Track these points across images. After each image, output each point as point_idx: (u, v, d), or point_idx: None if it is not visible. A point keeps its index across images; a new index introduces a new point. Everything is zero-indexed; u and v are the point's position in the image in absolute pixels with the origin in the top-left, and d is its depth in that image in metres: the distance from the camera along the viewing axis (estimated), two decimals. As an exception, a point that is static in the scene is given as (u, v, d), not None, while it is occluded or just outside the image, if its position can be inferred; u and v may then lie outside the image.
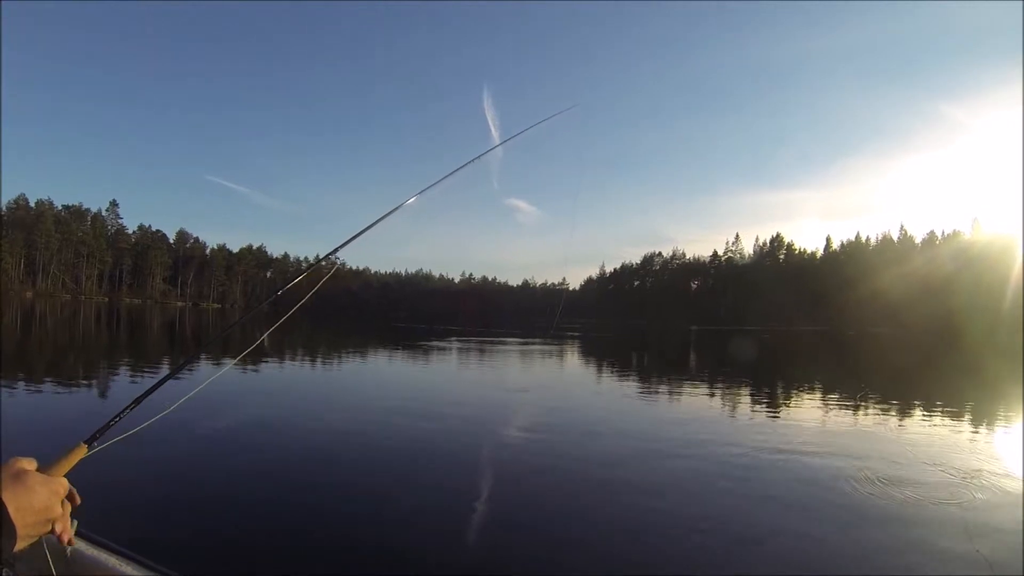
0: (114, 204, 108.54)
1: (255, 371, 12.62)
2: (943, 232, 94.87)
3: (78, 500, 0.79)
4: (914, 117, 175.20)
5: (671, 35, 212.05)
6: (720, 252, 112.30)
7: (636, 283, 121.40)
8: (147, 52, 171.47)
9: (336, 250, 1.48)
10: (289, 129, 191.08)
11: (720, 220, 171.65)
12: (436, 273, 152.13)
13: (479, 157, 1.83)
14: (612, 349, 29.95)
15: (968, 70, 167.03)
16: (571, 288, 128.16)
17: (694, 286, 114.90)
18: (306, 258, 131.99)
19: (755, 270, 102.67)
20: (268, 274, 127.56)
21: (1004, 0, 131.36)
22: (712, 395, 12.28)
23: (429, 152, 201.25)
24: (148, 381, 11.01)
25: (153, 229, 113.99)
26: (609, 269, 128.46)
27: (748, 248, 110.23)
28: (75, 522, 1.21)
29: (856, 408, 10.25)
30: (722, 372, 18.42)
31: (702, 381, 15.55)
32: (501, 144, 1.87)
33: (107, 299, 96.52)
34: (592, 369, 19.39)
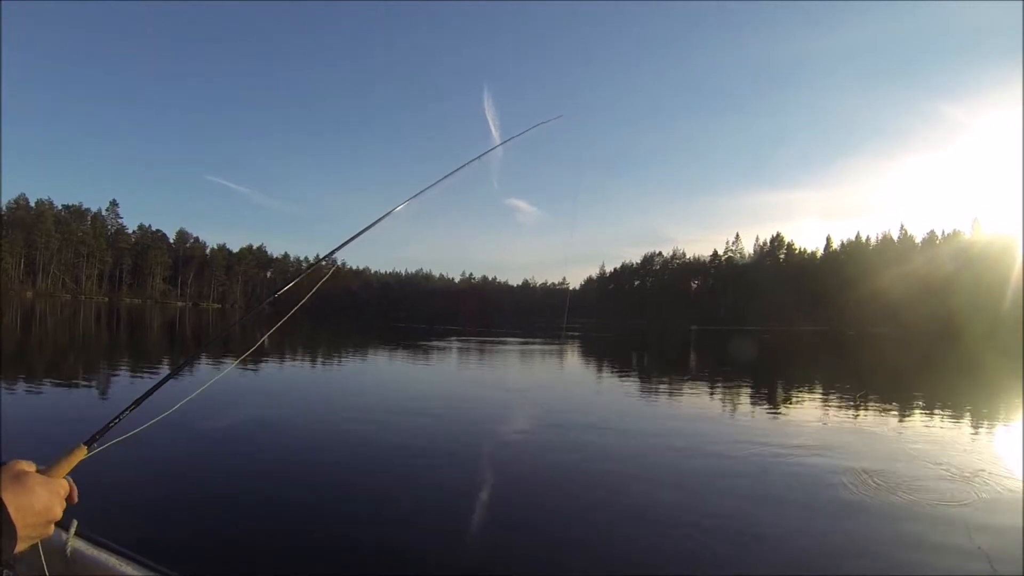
0: (114, 204, 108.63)
1: (255, 371, 12.62)
2: (943, 232, 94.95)
3: (76, 499, 0.79)
4: (914, 117, 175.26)
5: (671, 35, 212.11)
6: (720, 252, 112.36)
7: (636, 283, 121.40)
8: (147, 52, 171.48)
9: (335, 251, 1.48)
10: (289, 129, 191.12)
11: (720, 220, 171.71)
12: (436, 273, 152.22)
13: (470, 163, 1.84)
14: (612, 349, 29.95)
15: (968, 70, 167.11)
16: (571, 288, 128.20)
17: (694, 286, 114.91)
18: (306, 258, 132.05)
19: (755, 270, 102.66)
20: (268, 274, 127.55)
21: (1004, 0, 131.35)
22: (712, 395, 12.29)
23: (429, 152, 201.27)
24: (148, 381, 11.02)
25: (153, 229, 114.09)
26: (609, 269, 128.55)
27: (748, 248, 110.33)
28: (75, 522, 1.21)
29: (856, 408, 10.25)
30: (722, 372, 18.42)
31: (702, 381, 15.55)
32: (479, 157, 1.87)
33: (107, 299, 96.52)
34: (592, 369, 19.39)
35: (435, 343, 26.46)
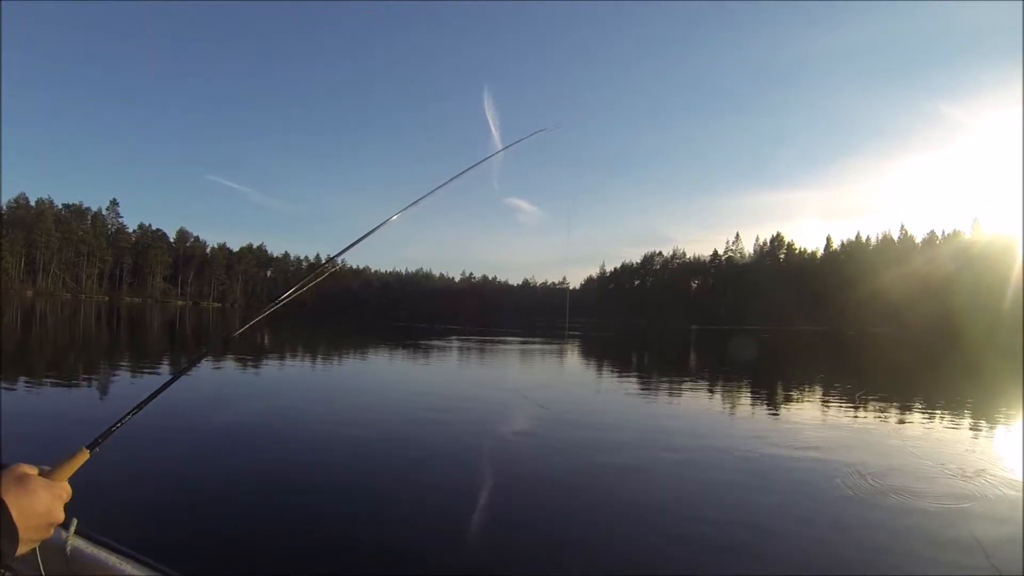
0: (114, 203, 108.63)
1: (255, 371, 12.63)
2: (943, 232, 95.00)
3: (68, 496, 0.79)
4: (914, 117, 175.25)
5: (671, 35, 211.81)
6: (720, 252, 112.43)
7: (636, 282, 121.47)
8: (147, 52, 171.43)
9: (341, 253, 1.48)
10: (289, 129, 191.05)
11: (720, 220, 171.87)
12: (436, 272, 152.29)
13: (469, 169, 1.84)
14: (612, 348, 29.95)
15: (968, 70, 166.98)
16: (572, 287, 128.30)
17: (694, 286, 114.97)
18: (306, 257, 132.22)
19: (755, 270, 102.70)
20: (268, 273, 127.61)
21: (1004, 0, 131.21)
22: (712, 395, 12.29)
23: (429, 152, 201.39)
24: (148, 381, 11.02)
25: (153, 228, 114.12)
26: (609, 269, 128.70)
27: (748, 248, 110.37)
28: (75, 521, 1.21)
29: (856, 408, 10.25)
30: (722, 372, 18.42)
31: (702, 381, 15.56)
32: (479, 164, 1.88)
33: (107, 298, 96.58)
34: (592, 369, 19.40)
35: (435, 342, 26.46)
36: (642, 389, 13.14)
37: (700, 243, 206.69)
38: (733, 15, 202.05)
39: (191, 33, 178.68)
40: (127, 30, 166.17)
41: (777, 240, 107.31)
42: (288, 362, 15.43)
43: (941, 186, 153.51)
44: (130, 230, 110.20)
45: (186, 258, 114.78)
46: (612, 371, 18.18)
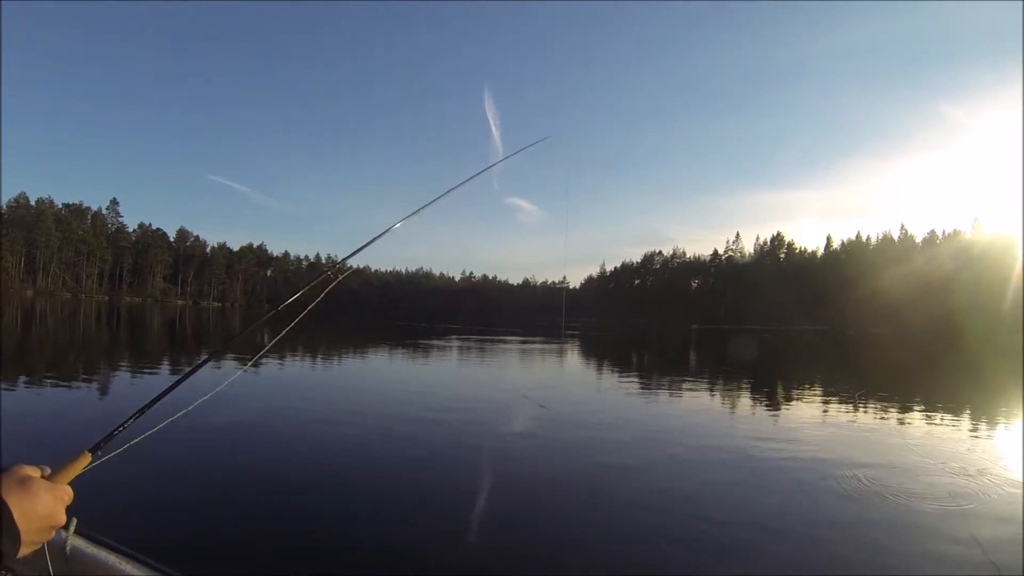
0: (114, 203, 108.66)
1: (256, 371, 12.62)
2: (944, 232, 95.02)
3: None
4: (914, 117, 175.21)
5: (671, 35, 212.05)
6: (720, 251, 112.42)
7: (636, 282, 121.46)
8: (147, 52, 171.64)
9: (350, 255, 1.49)
10: (289, 129, 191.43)
11: (720, 220, 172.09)
12: (437, 272, 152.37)
13: (472, 178, 1.85)
14: (612, 348, 29.94)
15: (968, 70, 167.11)
16: (572, 287, 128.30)
17: (694, 285, 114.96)
18: (306, 257, 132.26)
19: (755, 269, 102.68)
20: (268, 272, 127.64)
21: (1004, 0, 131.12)
22: (712, 395, 12.28)
23: (429, 152, 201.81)
24: (149, 382, 11.02)
25: (153, 227, 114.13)
26: (609, 268, 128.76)
27: (748, 247, 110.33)
28: (75, 520, 1.21)
29: (856, 408, 10.24)
30: (722, 371, 18.42)
31: (702, 381, 15.56)
32: (480, 173, 1.90)
33: (107, 297, 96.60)
34: (592, 368, 19.39)
35: (435, 342, 26.46)
36: (642, 389, 13.13)
37: (700, 243, 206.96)
38: (733, 15, 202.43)
39: (191, 33, 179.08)
40: (127, 30, 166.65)
41: (777, 240, 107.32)
42: (288, 362, 15.42)
43: (941, 186, 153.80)
44: (130, 230, 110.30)
45: (186, 258, 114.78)
46: (612, 371, 18.17)
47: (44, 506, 0.71)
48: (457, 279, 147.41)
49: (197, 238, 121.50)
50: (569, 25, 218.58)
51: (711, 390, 13.10)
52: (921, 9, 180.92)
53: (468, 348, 24.31)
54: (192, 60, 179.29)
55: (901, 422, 9.15)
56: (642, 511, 4.68)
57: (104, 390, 10.02)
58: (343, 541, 3.89)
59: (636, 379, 15.58)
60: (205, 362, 1.16)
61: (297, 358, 16.70)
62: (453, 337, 30.63)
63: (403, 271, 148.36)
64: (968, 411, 10.35)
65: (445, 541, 3.96)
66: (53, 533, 0.75)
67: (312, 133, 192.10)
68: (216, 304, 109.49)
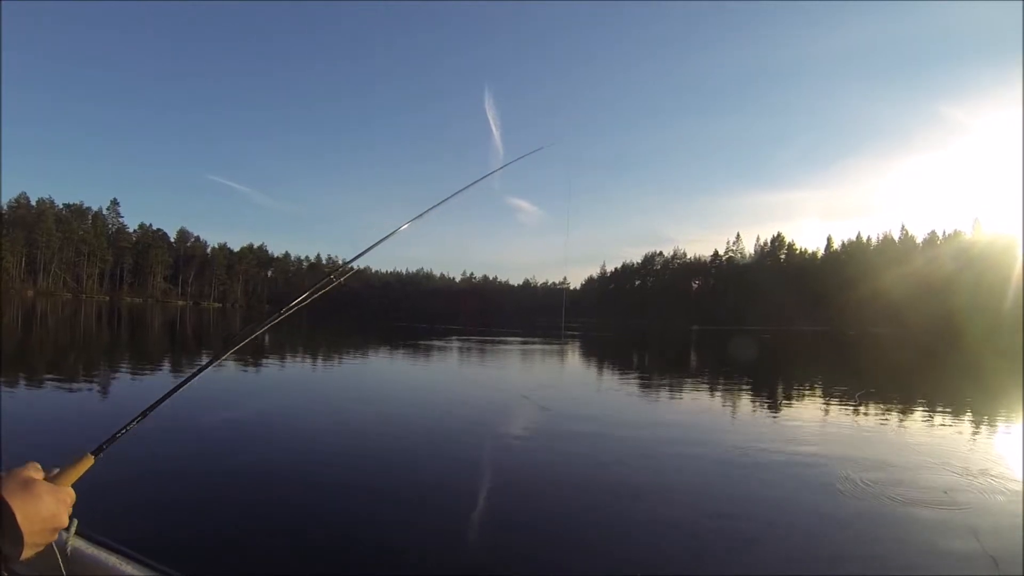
0: (115, 203, 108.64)
1: (256, 371, 12.64)
2: (944, 232, 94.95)
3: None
4: (914, 117, 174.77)
5: (671, 36, 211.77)
6: (721, 252, 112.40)
7: (637, 283, 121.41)
8: (147, 52, 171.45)
9: (356, 258, 1.50)
10: (289, 129, 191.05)
11: (720, 220, 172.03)
12: (437, 272, 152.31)
13: (474, 184, 1.86)
14: (612, 349, 29.95)
15: (968, 70, 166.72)
16: (572, 287, 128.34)
17: (695, 286, 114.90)
18: (307, 257, 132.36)
19: (756, 270, 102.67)
20: (269, 273, 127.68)
21: (1004, 0, 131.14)
22: (712, 395, 12.28)
23: (429, 152, 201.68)
24: (149, 383, 11.03)
25: (154, 228, 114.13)
26: (610, 269, 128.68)
27: (749, 248, 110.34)
28: (75, 521, 1.21)
29: (856, 408, 10.24)
30: (723, 372, 18.42)
31: (703, 381, 15.56)
32: (482, 179, 1.90)
33: (108, 298, 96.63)
34: (592, 369, 19.40)
35: (436, 343, 26.47)
36: (642, 390, 13.14)
37: (700, 243, 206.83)
38: (733, 16, 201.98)
39: (191, 33, 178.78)
40: (127, 30, 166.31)
41: (778, 240, 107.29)
42: (288, 362, 15.43)
43: (942, 186, 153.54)
44: (131, 230, 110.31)
45: (187, 258, 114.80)
46: (612, 371, 18.17)
47: (47, 508, 0.71)
48: (457, 280, 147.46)
49: (198, 238, 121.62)
50: (569, 26, 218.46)
51: (712, 391, 13.10)
52: (921, 9, 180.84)
53: (468, 349, 24.32)
54: (192, 60, 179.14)
55: (902, 422, 9.15)
56: (642, 511, 4.68)
57: (105, 391, 10.02)
58: (343, 541, 3.89)
59: (636, 380, 15.59)
60: (207, 365, 1.16)
61: (298, 358, 16.72)
62: (453, 338, 30.64)
63: (403, 272, 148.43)
64: (969, 411, 10.34)
65: (445, 541, 3.97)
66: (56, 535, 0.75)
67: (312, 133, 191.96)
68: (217, 305, 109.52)
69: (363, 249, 1.49)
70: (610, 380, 15.49)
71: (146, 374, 12.28)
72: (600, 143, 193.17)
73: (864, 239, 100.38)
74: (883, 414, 9.84)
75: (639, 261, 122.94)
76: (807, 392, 13.83)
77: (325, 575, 3.42)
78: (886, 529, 4.33)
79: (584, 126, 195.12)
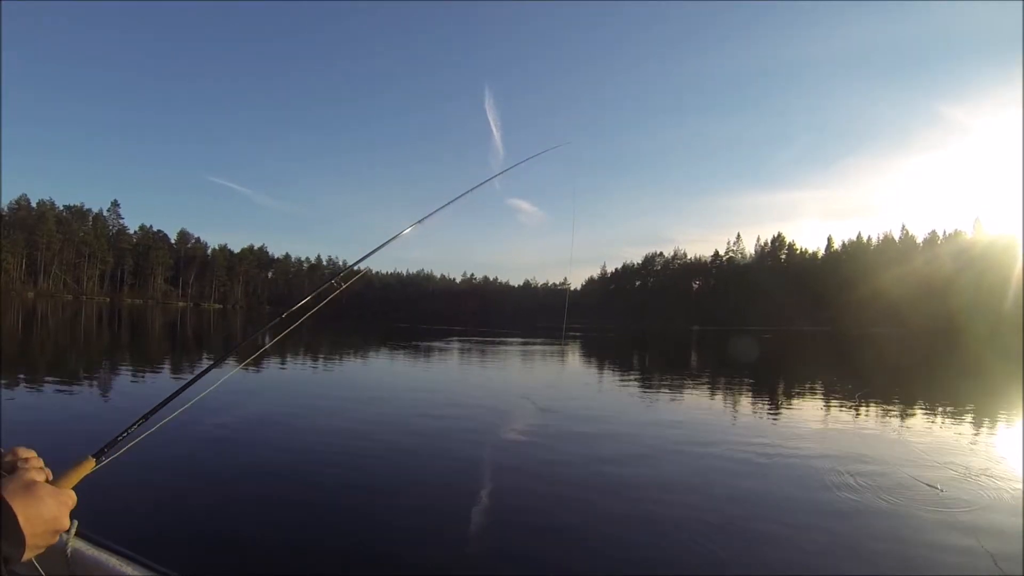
0: (115, 204, 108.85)
1: (256, 372, 12.64)
2: (944, 232, 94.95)
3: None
4: (914, 117, 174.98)
5: (672, 37, 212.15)
6: (721, 252, 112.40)
7: (637, 283, 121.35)
8: (147, 52, 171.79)
9: (359, 261, 1.51)
10: (290, 130, 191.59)
11: (720, 220, 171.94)
12: (438, 273, 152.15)
13: (477, 188, 1.88)
14: (613, 349, 29.94)
15: (968, 70, 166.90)
16: (573, 288, 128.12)
17: (695, 286, 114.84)
18: (307, 258, 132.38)
19: (756, 270, 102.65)
20: (269, 274, 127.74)
21: (1004, 0, 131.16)
22: (713, 396, 12.28)
23: (430, 152, 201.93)
24: (150, 384, 11.04)
25: (155, 229, 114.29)
26: (610, 269, 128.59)
27: (749, 248, 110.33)
28: (75, 522, 1.21)
29: (857, 408, 10.24)
30: (723, 372, 18.41)
31: (703, 381, 15.55)
32: (485, 183, 1.92)
33: (108, 299, 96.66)
34: (593, 369, 19.39)
35: (436, 344, 26.47)
36: (643, 390, 13.13)
37: (701, 243, 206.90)
38: (733, 16, 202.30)
39: (192, 33, 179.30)
40: (127, 30, 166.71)
41: (778, 240, 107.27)
42: (289, 363, 15.44)
43: (942, 186, 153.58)
44: (131, 231, 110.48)
45: (187, 259, 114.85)
46: (613, 372, 18.17)
47: (48, 511, 0.72)
48: (458, 281, 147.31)
49: (198, 240, 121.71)
50: (569, 26, 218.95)
51: (712, 391, 13.10)
52: (921, 9, 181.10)
53: (469, 350, 24.32)
54: (193, 60, 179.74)
55: (902, 422, 9.14)
56: (642, 511, 4.68)
57: (105, 393, 10.03)
58: (343, 541, 3.89)
59: (637, 380, 15.58)
60: (209, 369, 1.16)
61: (298, 360, 16.72)
62: (454, 339, 30.65)
63: (404, 273, 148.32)
64: (969, 411, 10.34)
65: (445, 541, 3.97)
66: (57, 537, 0.75)
67: (313, 134, 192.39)
68: (217, 306, 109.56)
69: (366, 253, 1.50)
70: (610, 380, 15.49)
71: (147, 376, 12.29)
72: (600, 143, 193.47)
73: (864, 239, 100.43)
74: (884, 414, 9.83)
75: (639, 261, 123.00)
76: (807, 392, 13.82)
77: (325, 575, 3.42)
78: (887, 529, 4.33)
79: (584, 126, 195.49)
